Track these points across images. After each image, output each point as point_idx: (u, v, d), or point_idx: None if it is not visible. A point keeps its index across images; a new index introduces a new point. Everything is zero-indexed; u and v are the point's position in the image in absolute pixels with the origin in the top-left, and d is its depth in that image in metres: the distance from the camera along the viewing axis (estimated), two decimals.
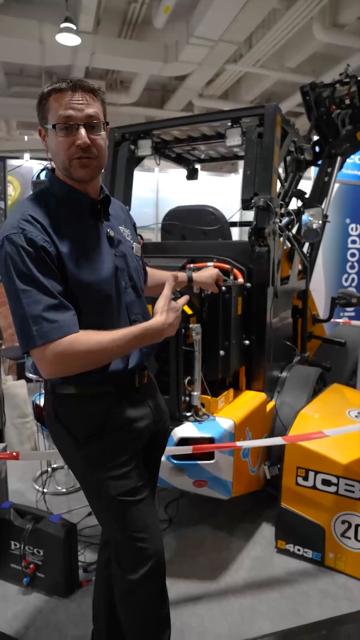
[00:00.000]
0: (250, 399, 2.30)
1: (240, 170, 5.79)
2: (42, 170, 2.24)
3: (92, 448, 1.28)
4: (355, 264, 5.90)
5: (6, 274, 1.15)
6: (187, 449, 1.78)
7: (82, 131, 1.17)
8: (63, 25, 5.97)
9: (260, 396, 2.35)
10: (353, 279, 5.94)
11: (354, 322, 4.63)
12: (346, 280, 5.94)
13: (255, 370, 2.40)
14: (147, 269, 1.65)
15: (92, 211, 1.30)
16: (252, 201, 2.30)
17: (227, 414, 2.09)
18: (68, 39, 6.14)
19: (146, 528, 1.31)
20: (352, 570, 2.13)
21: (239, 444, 1.92)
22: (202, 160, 3.48)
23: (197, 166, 3.57)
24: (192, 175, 3.53)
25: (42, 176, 2.24)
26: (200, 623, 1.91)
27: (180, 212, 2.70)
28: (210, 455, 1.88)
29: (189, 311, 2.02)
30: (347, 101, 3.74)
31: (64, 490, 2.88)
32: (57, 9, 6.14)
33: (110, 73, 8.65)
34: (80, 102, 1.16)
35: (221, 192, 5.68)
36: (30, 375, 2.95)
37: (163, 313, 1.24)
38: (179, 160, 3.40)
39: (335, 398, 2.68)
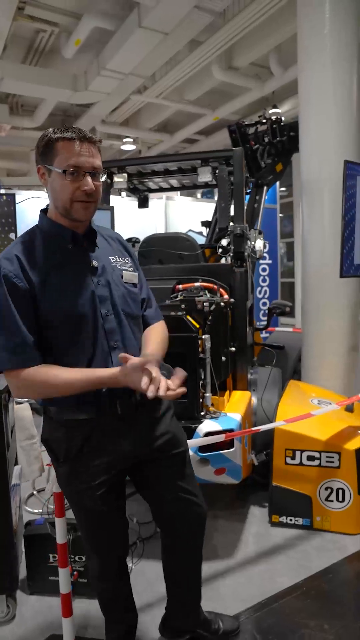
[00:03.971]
0: (241, 397, 2.69)
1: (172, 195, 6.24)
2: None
3: (66, 468, 1.46)
4: (267, 278, 6.65)
5: None
6: (220, 437, 2.10)
7: (89, 179, 1.32)
8: None
9: (247, 394, 2.75)
10: (265, 291, 6.69)
11: (278, 329, 5.31)
12: (259, 292, 6.66)
13: (239, 373, 2.80)
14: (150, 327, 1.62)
15: (75, 244, 1.41)
16: (229, 229, 2.72)
17: (232, 409, 2.45)
18: None
19: (95, 553, 1.65)
20: (336, 527, 2.61)
21: (261, 427, 2.30)
22: (152, 190, 3.83)
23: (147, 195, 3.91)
24: (143, 203, 3.85)
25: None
26: (233, 590, 2.22)
27: (157, 239, 3.02)
28: (230, 444, 2.22)
29: (196, 325, 2.36)
30: (266, 139, 4.38)
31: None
32: None
33: (11, 97, 8.58)
34: (87, 152, 1.32)
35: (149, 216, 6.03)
36: (17, 400, 3.01)
37: (127, 372, 1.29)
38: (133, 191, 3.71)
39: (297, 391, 3.20)
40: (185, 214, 6.30)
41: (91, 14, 5.93)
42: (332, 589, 2.23)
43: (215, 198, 9.16)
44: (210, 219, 4.36)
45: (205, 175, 2.85)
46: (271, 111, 8.13)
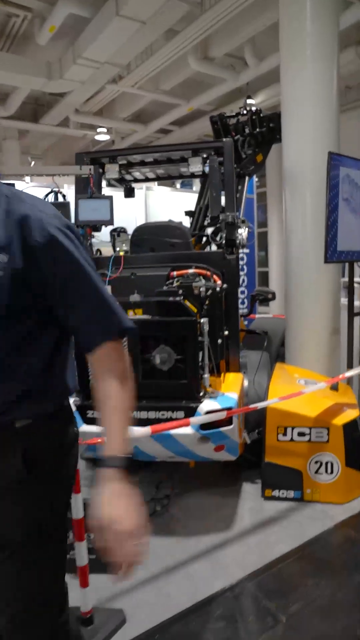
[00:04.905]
0: (235, 378, 2.81)
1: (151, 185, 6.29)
2: (50, 192, 2.43)
3: None
4: (245, 267, 6.78)
5: None
6: (221, 415, 2.22)
7: None
8: None
9: (240, 376, 2.88)
10: (243, 280, 6.82)
11: (258, 315, 5.46)
12: None
13: (232, 356, 2.91)
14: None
15: None
16: (220, 218, 2.81)
17: (229, 389, 2.57)
18: None
19: None
20: (325, 498, 2.78)
21: (258, 404, 2.43)
22: (138, 180, 3.88)
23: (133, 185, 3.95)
24: (129, 193, 3.89)
25: (51, 198, 2.43)
26: (234, 559, 2.36)
27: (148, 227, 3.08)
28: (229, 422, 2.34)
29: (194, 309, 2.46)
30: (247, 130, 4.48)
31: None
32: None
33: None
34: None
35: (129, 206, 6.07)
36: None
37: None
38: (119, 181, 3.75)
39: (284, 373, 3.35)
40: (164, 204, 6.37)
41: None
42: (325, 553, 2.39)
43: (195, 189, 9.22)
44: (192, 209, 4.45)
45: (196, 166, 2.93)
46: (245, 102, 8.25)
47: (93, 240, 2.99)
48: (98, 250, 3.12)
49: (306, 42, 3.49)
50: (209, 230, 4.20)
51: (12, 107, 8.46)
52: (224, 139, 2.86)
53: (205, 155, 3.00)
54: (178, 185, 8.44)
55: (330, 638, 1.87)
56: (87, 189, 2.60)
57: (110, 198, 2.55)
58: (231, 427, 2.35)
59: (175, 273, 2.76)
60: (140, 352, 2.39)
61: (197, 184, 9.76)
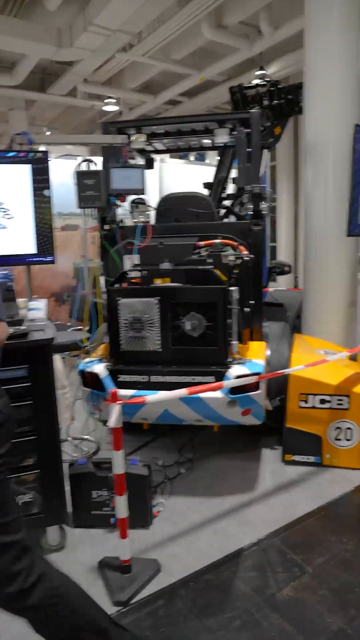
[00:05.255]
0: (259, 347, 2.87)
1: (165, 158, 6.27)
2: (83, 161, 2.44)
3: None
4: None
5: None
6: (252, 379, 2.30)
7: None
8: None
9: (264, 344, 2.95)
10: None
11: (272, 289, 5.50)
12: None
13: (256, 325, 2.98)
14: None
15: None
16: (247, 189, 2.84)
17: (255, 356, 2.64)
18: None
19: None
20: (344, 463, 2.89)
21: (286, 370, 2.51)
22: (159, 152, 3.88)
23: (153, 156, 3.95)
24: (149, 165, 3.90)
25: (84, 167, 2.44)
26: (260, 516, 2.47)
27: (174, 198, 3.10)
28: (256, 387, 2.42)
29: (224, 277, 2.51)
30: (266, 101, 4.45)
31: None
32: None
33: None
34: None
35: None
36: None
37: None
38: (140, 152, 3.75)
39: (304, 343, 3.42)
40: (178, 176, 6.35)
41: None
42: (347, 513, 2.51)
43: (207, 161, 9.11)
44: (207, 181, 4.44)
45: (222, 137, 2.94)
46: (257, 73, 8.12)
47: (118, 210, 3.02)
48: (121, 220, 3.15)
49: (332, 11, 3.44)
50: (228, 202, 4.23)
51: (20, 77, 8.32)
52: (252, 110, 2.86)
53: (231, 126, 3.00)
54: (192, 158, 8.36)
55: (354, 586, 1.99)
56: (115, 158, 2.61)
57: (142, 167, 2.56)
58: (259, 391, 2.43)
59: (202, 243, 2.80)
60: (171, 318, 2.45)
61: (209, 157, 9.66)
